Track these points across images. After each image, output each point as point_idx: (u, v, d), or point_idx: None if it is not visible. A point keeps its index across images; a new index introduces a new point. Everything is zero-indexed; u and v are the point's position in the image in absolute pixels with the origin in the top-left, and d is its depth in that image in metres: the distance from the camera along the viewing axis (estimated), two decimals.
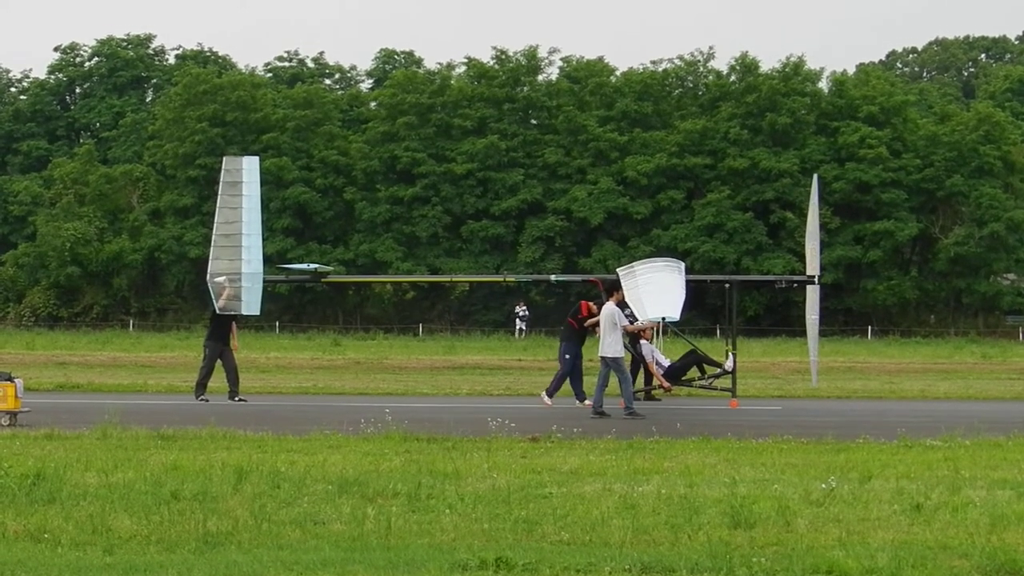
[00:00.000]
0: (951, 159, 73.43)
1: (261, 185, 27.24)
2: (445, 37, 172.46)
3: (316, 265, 35.15)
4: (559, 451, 17.29)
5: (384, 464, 15.63)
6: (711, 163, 74.14)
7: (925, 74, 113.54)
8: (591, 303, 26.51)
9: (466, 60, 79.97)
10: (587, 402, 25.03)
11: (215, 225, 26.68)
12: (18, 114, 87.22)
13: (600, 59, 79.28)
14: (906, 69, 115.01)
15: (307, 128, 77.14)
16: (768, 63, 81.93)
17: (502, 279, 43.27)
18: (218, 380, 26.65)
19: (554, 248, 73.73)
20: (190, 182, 76.19)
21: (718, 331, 62.26)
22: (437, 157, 75.44)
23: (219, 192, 26.79)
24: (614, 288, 25.05)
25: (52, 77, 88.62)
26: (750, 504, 12.56)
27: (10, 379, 20.89)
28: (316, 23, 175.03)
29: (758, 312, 70.06)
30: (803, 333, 39.51)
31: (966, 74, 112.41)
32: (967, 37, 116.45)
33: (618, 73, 78.71)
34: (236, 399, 26.09)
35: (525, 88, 77.87)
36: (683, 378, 27.60)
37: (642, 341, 26.90)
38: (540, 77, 78.82)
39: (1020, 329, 70.12)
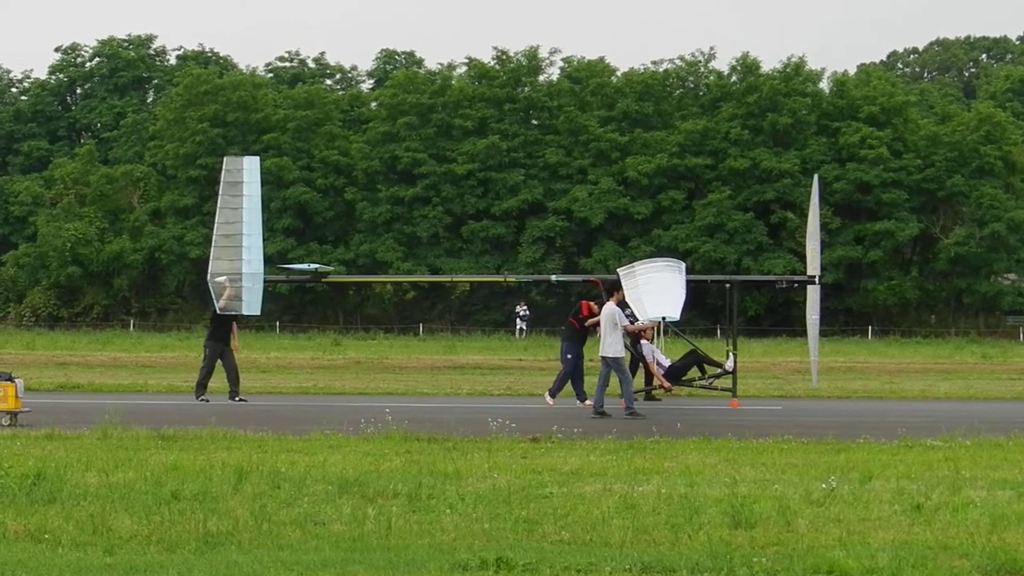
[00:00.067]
0: (952, 159, 73.43)
1: (262, 185, 27.25)
2: (446, 37, 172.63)
3: (317, 265, 35.14)
4: (560, 451, 17.29)
5: (384, 464, 15.63)
6: (712, 163, 74.15)
7: (926, 74, 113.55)
8: (592, 303, 26.51)
9: (467, 60, 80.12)
10: (588, 402, 25.03)
11: (216, 225, 26.69)
12: (19, 114, 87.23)
13: (601, 59, 79.41)
14: (907, 69, 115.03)
15: (308, 128, 77.16)
16: (769, 63, 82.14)
17: (503, 279, 43.23)
18: (218, 380, 26.65)
19: (555, 248, 73.74)
20: (191, 182, 76.21)
21: (719, 331, 62.24)
22: (438, 157, 75.45)
23: (220, 192, 26.79)
24: (614, 288, 25.06)
25: (53, 77, 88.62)
26: (751, 504, 12.56)
27: (11, 379, 20.89)
28: (317, 23, 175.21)
29: (759, 312, 70.06)
30: (804, 333, 39.51)
31: (967, 74, 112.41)
32: (968, 37, 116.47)
33: (619, 73, 78.79)
34: (236, 399, 26.09)
35: (526, 88, 77.89)
36: (684, 378, 27.60)
37: (643, 341, 26.89)
38: (541, 77, 78.88)
39: (1021, 329, 70.08)
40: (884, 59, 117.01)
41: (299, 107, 77.68)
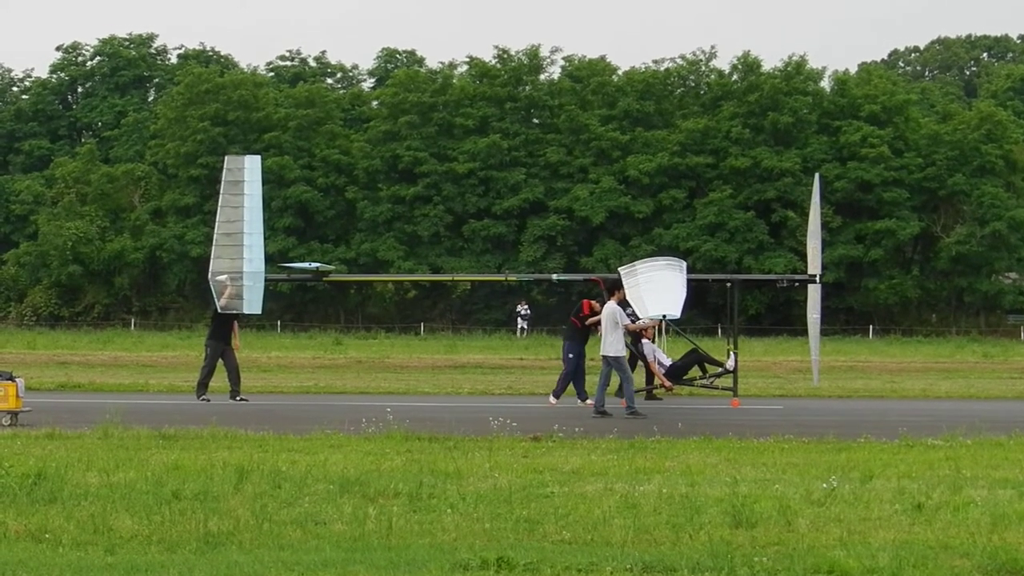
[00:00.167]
0: (953, 158, 73.42)
1: (263, 184, 27.23)
2: (447, 36, 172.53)
3: (318, 264, 35.09)
4: (561, 450, 17.29)
5: (385, 464, 15.62)
6: (713, 162, 74.15)
7: (927, 73, 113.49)
8: (593, 302, 26.50)
9: (468, 59, 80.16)
10: (589, 401, 25.04)
11: (217, 224, 26.67)
12: (20, 113, 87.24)
13: (602, 58, 79.45)
14: (908, 68, 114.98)
15: (309, 127, 77.18)
16: (770, 62, 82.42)
17: (504, 278, 43.15)
18: (219, 380, 26.64)
19: (556, 247, 73.75)
20: (192, 181, 76.23)
21: (719, 330, 62.26)
22: (439, 156, 75.45)
23: (221, 191, 26.77)
24: (615, 287, 25.05)
25: (54, 76, 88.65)
26: (751, 504, 12.56)
27: (11, 378, 20.89)
28: (318, 22, 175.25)
29: (759, 311, 70.07)
30: (804, 332, 39.47)
31: (968, 73, 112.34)
32: (969, 36, 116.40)
33: (620, 72, 78.80)
34: (237, 398, 26.07)
35: (527, 87, 77.89)
36: (684, 377, 27.59)
37: (644, 340, 26.89)
38: (542, 76, 78.90)
39: (1022, 328, 70.10)
40: (885, 58, 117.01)
41: (300, 106, 77.70)
